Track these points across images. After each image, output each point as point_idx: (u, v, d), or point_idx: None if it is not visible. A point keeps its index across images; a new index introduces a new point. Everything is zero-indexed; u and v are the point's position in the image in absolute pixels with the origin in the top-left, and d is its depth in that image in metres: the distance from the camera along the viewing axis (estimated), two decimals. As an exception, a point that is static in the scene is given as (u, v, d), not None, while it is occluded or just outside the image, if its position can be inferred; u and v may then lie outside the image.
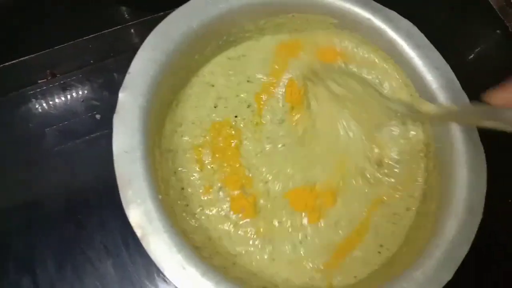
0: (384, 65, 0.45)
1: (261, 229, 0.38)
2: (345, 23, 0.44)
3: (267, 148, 0.42)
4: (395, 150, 0.42)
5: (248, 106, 0.43)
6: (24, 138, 0.45)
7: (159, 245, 0.31)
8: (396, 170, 0.42)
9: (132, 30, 0.51)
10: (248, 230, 0.38)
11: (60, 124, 0.45)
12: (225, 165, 0.40)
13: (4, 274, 0.39)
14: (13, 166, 0.43)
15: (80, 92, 0.47)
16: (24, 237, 0.40)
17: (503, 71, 0.33)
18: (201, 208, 0.39)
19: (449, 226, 0.35)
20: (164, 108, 0.40)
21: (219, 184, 0.40)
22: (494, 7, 0.58)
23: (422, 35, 0.42)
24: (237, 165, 0.41)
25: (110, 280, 0.39)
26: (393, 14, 0.42)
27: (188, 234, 0.36)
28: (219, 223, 0.38)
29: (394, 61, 0.43)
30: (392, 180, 0.42)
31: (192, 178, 0.40)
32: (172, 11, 0.39)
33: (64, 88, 0.47)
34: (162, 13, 0.47)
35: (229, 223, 0.38)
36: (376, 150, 0.42)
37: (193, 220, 0.38)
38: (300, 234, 0.39)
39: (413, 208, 0.41)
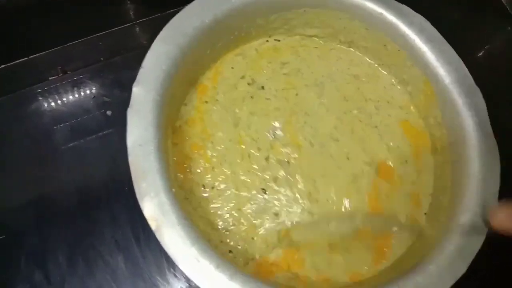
0: None
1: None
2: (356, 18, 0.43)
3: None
4: None
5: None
6: (35, 135, 0.45)
7: (173, 237, 0.31)
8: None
9: (141, 27, 0.51)
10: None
11: (72, 121, 0.45)
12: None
13: (16, 269, 0.39)
14: (24, 163, 0.43)
15: (91, 89, 0.47)
16: (36, 233, 0.40)
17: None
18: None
19: (462, 219, 0.35)
20: (176, 102, 0.40)
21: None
22: (505, 4, 0.57)
23: (434, 29, 0.41)
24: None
25: (121, 274, 0.39)
26: (406, 8, 0.42)
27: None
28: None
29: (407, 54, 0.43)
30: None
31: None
32: (183, 8, 0.39)
33: (75, 85, 0.47)
34: (171, 10, 0.48)
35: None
36: None
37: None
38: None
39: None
